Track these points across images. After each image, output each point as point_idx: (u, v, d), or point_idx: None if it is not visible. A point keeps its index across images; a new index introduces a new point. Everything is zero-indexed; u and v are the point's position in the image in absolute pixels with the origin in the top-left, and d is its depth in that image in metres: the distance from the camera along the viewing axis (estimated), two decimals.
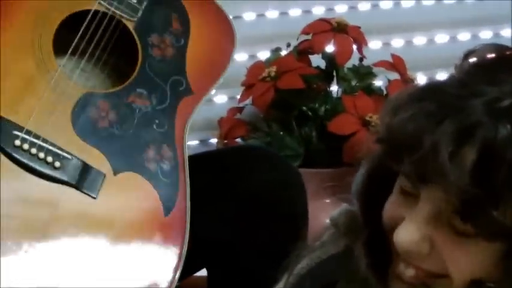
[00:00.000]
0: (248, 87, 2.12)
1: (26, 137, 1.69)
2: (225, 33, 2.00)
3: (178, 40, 1.94)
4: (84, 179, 1.77)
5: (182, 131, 1.91)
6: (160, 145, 1.87)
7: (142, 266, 1.81)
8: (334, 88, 2.17)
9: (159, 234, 1.83)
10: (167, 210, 1.83)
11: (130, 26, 1.82)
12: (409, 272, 1.15)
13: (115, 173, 1.80)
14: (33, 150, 1.74)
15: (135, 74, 1.79)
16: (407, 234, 1.11)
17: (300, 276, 1.30)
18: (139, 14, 1.86)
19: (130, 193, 1.84)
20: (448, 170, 1.05)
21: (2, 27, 1.87)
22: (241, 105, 2.16)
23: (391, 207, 1.12)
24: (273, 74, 2.17)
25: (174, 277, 1.81)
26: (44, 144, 1.74)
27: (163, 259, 1.84)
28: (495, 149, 1.03)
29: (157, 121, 1.85)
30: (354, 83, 2.22)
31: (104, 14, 1.79)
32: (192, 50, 1.93)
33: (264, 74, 2.17)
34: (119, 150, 1.80)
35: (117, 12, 1.82)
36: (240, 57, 2.29)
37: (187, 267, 1.83)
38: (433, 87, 1.14)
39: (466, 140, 1.05)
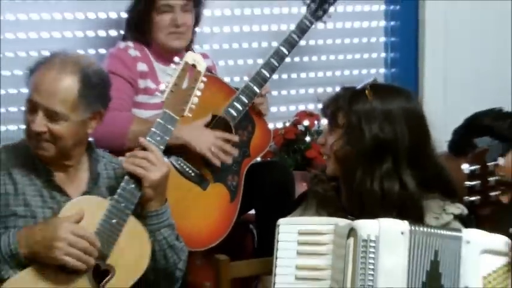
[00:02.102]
0: (273, 137, 3.54)
1: (185, 162, 3.17)
2: (267, 136, 3.44)
3: (249, 134, 3.37)
4: (201, 182, 3.22)
5: (244, 170, 3.34)
6: (233, 175, 3.30)
7: (217, 218, 3.28)
8: (307, 138, 3.64)
9: (227, 208, 3.29)
10: (232, 200, 3.28)
11: (232, 124, 3.27)
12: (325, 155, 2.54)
13: (214, 182, 3.25)
14: (186, 168, 3.20)
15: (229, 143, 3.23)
16: (320, 138, 2.63)
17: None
18: (236, 121, 3.27)
19: (219, 191, 3.27)
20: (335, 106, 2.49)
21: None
22: (270, 144, 3.51)
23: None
24: (282, 132, 3.67)
25: (230, 225, 3.25)
26: (190, 166, 3.18)
27: (226, 217, 3.28)
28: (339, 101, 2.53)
29: (235, 165, 3.29)
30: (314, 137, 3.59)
31: (223, 118, 3.27)
32: (254, 140, 3.38)
33: (279, 132, 3.66)
34: (218, 173, 3.24)
35: (228, 119, 3.26)
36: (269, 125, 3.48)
37: (245, 209, 3.34)
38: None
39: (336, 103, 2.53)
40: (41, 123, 2.63)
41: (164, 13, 3.37)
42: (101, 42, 3.68)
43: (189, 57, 2.76)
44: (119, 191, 2.65)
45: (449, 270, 2.34)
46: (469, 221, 2.57)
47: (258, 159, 3.45)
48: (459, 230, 2.38)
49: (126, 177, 2.66)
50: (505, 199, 2.65)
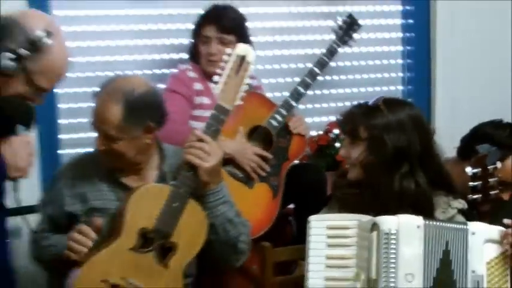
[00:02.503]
0: (308, 144, 3.69)
1: (234, 167, 3.26)
2: (303, 143, 3.49)
3: (287, 141, 3.43)
4: (248, 182, 3.32)
5: (284, 171, 3.40)
6: (275, 176, 3.37)
7: (262, 212, 3.34)
8: (337, 144, 3.76)
9: (270, 203, 3.37)
10: (274, 196, 3.37)
11: (273, 133, 3.35)
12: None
13: (259, 182, 3.35)
14: (236, 171, 3.29)
15: (271, 150, 3.35)
16: (342, 151, 2.69)
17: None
18: (276, 130, 3.34)
19: (263, 189, 3.36)
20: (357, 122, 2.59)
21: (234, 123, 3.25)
22: (306, 150, 3.63)
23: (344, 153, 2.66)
24: (316, 139, 3.81)
25: (273, 217, 3.32)
26: (239, 169, 3.28)
27: (269, 211, 3.35)
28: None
29: (276, 167, 3.37)
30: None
31: (265, 128, 3.35)
32: (291, 146, 3.43)
33: (313, 139, 3.80)
34: (261, 176, 3.33)
35: (270, 129, 3.34)
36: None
37: (285, 204, 3.43)
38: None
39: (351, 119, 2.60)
40: (101, 144, 2.75)
41: (204, 43, 3.49)
42: (165, 64, 3.80)
43: (240, 48, 2.79)
44: (179, 177, 2.72)
45: (458, 257, 2.40)
46: (469, 214, 2.63)
47: (296, 162, 3.53)
48: (465, 223, 2.46)
49: (185, 165, 2.71)
50: (505, 196, 2.79)
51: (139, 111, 2.73)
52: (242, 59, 2.75)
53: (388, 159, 2.57)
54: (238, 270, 3.13)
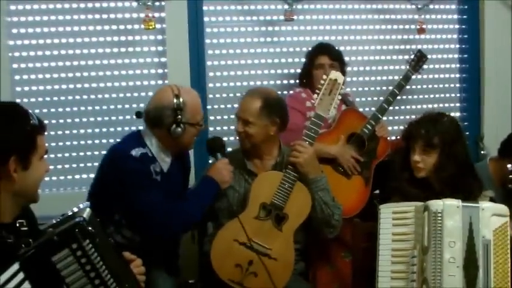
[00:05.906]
0: (391, 146, 3.51)
1: (337, 165, 3.31)
2: (387, 145, 3.49)
3: (375, 144, 3.45)
4: (347, 175, 3.35)
5: (373, 166, 3.43)
6: (367, 170, 3.38)
7: (357, 196, 3.34)
8: None
9: (363, 190, 3.40)
10: (365, 185, 3.42)
11: (365, 138, 3.43)
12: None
13: (356, 174, 3.39)
14: (338, 167, 3.29)
15: (364, 150, 3.40)
16: (416, 157, 2.74)
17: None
18: (367, 136, 3.40)
19: (358, 180, 3.40)
20: (425, 135, 2.65)
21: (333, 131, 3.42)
22: (389, 150, 3.53)
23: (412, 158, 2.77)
24: (396, 142, 3.49)
25: (365, 201, 3.32)
26: (341, 166, 3.32)
27: (362, 196, 3.36)
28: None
29: (367, 164, 3.41)
30: None
31: (360, 135, 3.45)
32: (378, 148, 3.46)
33: (394, 143, 3.53)
34: (357, 170, 3.38)
35: (363, 135, 3.43)
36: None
37: (373, 190, 3.44)
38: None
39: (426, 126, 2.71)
40: (239, 127, 3.01)
41: (318, 69, 3.64)
42: (286, 87, 3.97)
43: (332, 74, 2.95)
44: (289, 167, 2.93)
45: (475, 226, 2.53)
46: (495, 201, 2.79)
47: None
48: (478, 203, 2.59)
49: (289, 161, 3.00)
50: None
51: (271, 107, 2.95)
52: (334, 81, 2.94)
53: (464, 159, 2.75)
54: (336, 239, 3.24)
